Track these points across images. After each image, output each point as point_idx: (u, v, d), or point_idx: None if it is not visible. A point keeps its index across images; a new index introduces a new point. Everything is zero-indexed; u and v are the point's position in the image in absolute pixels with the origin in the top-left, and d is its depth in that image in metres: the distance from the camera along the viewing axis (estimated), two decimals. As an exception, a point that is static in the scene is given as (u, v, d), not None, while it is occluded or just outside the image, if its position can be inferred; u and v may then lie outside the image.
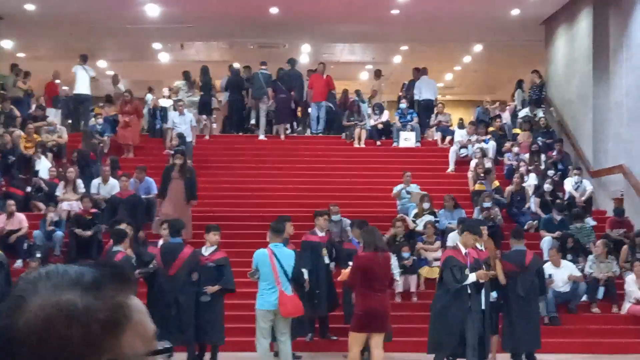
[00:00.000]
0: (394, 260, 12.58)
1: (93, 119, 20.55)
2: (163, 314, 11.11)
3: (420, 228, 15.64)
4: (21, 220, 15.49)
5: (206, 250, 11.79)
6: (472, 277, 10.33)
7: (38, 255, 14.77)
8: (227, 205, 17.66)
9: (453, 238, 14.64)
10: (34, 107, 20.93)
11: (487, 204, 16.29)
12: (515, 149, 19.77)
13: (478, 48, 25.81)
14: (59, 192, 16.74)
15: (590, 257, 15.00)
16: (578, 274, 14.57)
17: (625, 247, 15.34)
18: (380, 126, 21.21)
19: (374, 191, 18.28)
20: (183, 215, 14.34)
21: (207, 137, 20.88)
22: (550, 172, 18.20)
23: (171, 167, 15.87)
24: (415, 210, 16.44)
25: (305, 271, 11.70)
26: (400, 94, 22.85)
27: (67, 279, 1.21)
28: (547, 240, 15.66)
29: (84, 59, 21.09)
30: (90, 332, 1.17)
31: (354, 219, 14.02)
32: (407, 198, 17.11)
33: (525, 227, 16.18)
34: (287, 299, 10.20)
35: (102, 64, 27.08)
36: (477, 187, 17.93)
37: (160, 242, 12.76)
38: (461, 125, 21.51)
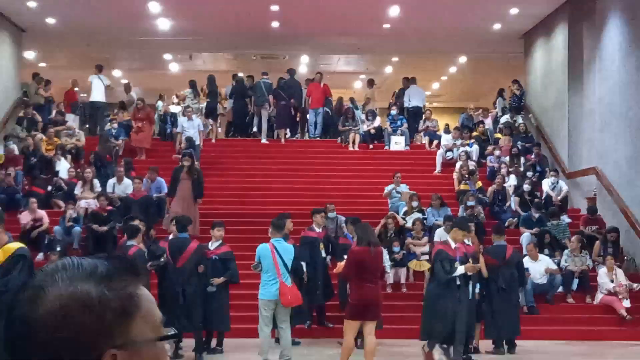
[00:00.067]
0: (385, 254, 12.57)
1: (108, 124, 20.54)
2: (172, 303, 11.10)
3: (409, 225, 15.62)
4: (42, 216, 15.51)
5: (212, 245, 11.82)
6: (460, 269, 10.37)
7: (58, 249, 14.78)
8: (232, 203, 17.66)
9: (440, 234, 14.64)
10: (54, 112, 20.95)
11: (471, 203, 16.31)
12: (497, 152, 19.78)
13: (462, 59, 25.83)
14: (77, 191, 16.76)
15: (566, 251, 15.00)
16: (554, 267, 14.58)
17: (597, 242, 15.36)
18: (372, 131, 21.21)
19: (367, 191, 18.27)
20: (191, 213, 14.32)
21: (213, 141, 20.90)
22: (529, 174, 18.19)
23: (180, 168, 15.85)
24: (404, 209, 16.45)
25: (303, 264, 11.73)
26: (391, 101, 22.86)
27: (82, 271, 1.22)
28: (525, 236, 15.67)
29: (99, 69, 21.10)
30: (103, 319, 1.18)
31: (348, 216, 14.03)
32: (397, 197, 17.12)
33: (506, 224, 16.18)
34: (287, 289, 10.18)
35: (117, 73, 27.05)
36: (462, 187, 17.96)
37: (170, 237, 12.74)
38: (447, 131, 21.50)
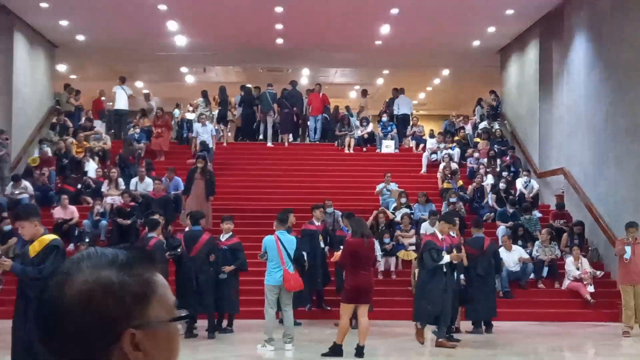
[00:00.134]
0: (376, 245, 12.56)
1: (131, 129, 20.54)
2: (186, 288, 11.14)
3: (398, 219, 15.63)
4: (73, 211, 15.52)
5: (223, 237, 11.85)
6: (446, 258, 10.39)
7: (87, 240, 14.82)
8: (241, 200, 17.65)
9: (425, 227, 14.67)
10: (83, 119, 20.96)
11: (453, 199, 16.33)
12: (476, 155, 19.78)
13: (445, 72, 25.82)
14: (103, 188, 16.78)
15: (537, 242, 15.02)
16: (526, 256, 14.59)
17: (565, 234, 15.39)
18: (366, 136, 21.22)
19: (361, 188, 18.27)
20: (204, 209, 14.30)
21: (224, 144, 20.87)
22: (504, 174, 18.20)
23: (194, 169, 15.84)
24: (394, 204, 16.45)
25: (304, 254, 11.70)
26: (382, 109, 22.84)
27: (105, 260, 1.22)
28: (501, 229, 15.68)
29: (123, 80, 21.11)
30: (123, 302, 1.19)
31: (344, 211, 14.01)
32: (388, 194, 17.12)
33: (484, 218, 16.20)
34: (290, 276, 10.17)
35: (138, 84, 27.00)
36: (445, 185, 17.97)
37: (186, 229, 12.76)
38: (432, 135, 21.50)
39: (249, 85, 22.26)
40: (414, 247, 14.63)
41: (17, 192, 16.04)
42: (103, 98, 22.88)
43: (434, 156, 19.78)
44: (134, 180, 16.83)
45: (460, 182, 18.12)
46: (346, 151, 20.65)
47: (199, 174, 15.65)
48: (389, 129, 21.27)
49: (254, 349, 10.20)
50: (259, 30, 19.72)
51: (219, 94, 21.56)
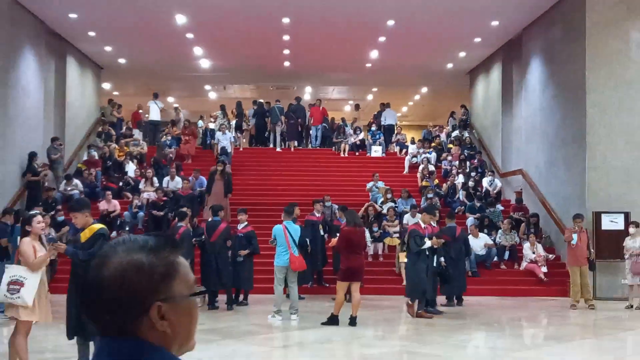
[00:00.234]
0: (367, 233, 12.56)
1: (164, 136, 20.50)
2: (208, 267, 11.15)
3: (384, 211, 15.62)
4: (115, 204, 15.50)
5: (240, 226, 11.81)
6: (428, 243, 10.39)
7: (127, 228, 14.79)
8: (255, 195, 17.63)
9: (407, 218, 14.67)
10: (124, 128, 20.92)
11: (430, 195, 16.32)
12: (449, 158, 19.76)
13: (424, 90, 25.78)
14: (141, 186, 16.76)
15: (499, 231, 15.01)
16: (491, 242, 14.59)
17: (523, 224, 15.37)
18: (358, 142, 21.19)
19: (354, 186, 18.25)
20: (222, 204, 14.27)
21: (240, 149, 20.83)
22: (473, 174, 18.18)
23: (214, 171, 15.82)
24: (381, 199, 16.43)
25: (307, 240, 11.71)
26: (371, 120, 22.82)
27: (136, 245, 1.22)
28: (470, 220, 15.67)
29: (156, 96, 21.06)
30: (151, 280, 1.19)
31: (340, 204, 13.99)
32: (376, 191, 17.10)
33: (456, 210, 16.15)
34: (295, 258, 10.17)
35: (169, 99, 26.99)
36: (424, 183, 17.95)
37: (209, 219, 12.74)
38: (413, 142, 21.50)
39: (261, 100, 22.23)
40: (397, 235, 14.61)
41: (69, 189, 16.03)
42: (140, 111, 22.85)
43: (414, 159, 19.76)
44: (166, 179, 16.81)
45: (436, 181, 18.11)
46: (342, 155, 20.62)
47: (218, 175, 15.64)
48: (377, 136, 21.27)
49: (265, 318, 10.19)
50: (269, 55, 19.70)
51: (236, 108, 21.57)
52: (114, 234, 14.52)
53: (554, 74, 15.17)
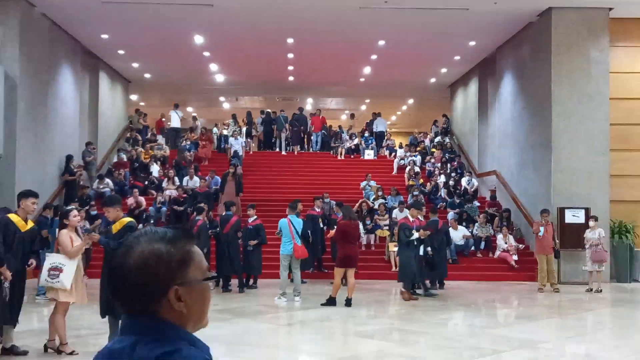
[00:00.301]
0: (360, 226, 12.55)
1: (183, 141, 20.48)
2: (222, 255, 11.14)
3: (376, 207, 15.61)
4: (142, 201, 15.46)
5: (250, 219, 11.78)
6: (415, 235, 10.40)
7: (152, 221, 14.76)
8: (263, 193, 17.60)
9: (396, 212, 14.63)
10: (149, 134, 20.90)
11: (416, 193, 16.29)
12: (432, 160, 19.75)
13: (411, 101, 25.77)
14: (164, 184, 16.74)
15: (476, 224, 14.98)
16: (469, 234, 14.56)
17: (496, 218, 15.35)
18: (353, 147, 21.19)
19: (349, 185, 18.23)
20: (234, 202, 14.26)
21: (250, 152, 20.83)
22: (453, 174, 18.17)
23: (227, 173, 15.82)
24: (373, 196, 16.43)
25: (309, 232, 11.71)
26: (364, 128, 22.83)
27: (157, 236, 1.22)
28: (450, 214, 15.63)
29: (176, 106, 21.06)
30: (169, 267, 1.18)
31: (337, 201, 14.02)
32: (369, 189, 17.10)
33: (438, 206, 16.16)
34: (298, 247, 10.17)
35: (189, 109, 26.99)
36: (410, 182, 17.94)
37: (222, 214, 12.74)
38: (401, 146, 21.49)
39: (268, 110, 22.24)
40: (387, 227, 14.59)
41: (101, 187, 16.03)
42: (163, 119, 22.85)
43: (402, 162, 19.75)
44: (186, 178, 16.80)
45: (421, 180, 18.10)
46: (339, 158, 20.59)
47: (230, 177, 15.63)
48: (370, 142, 21.26)
49: (272, 300, 10.18)
50: (275, 71, 19.70)
51: (246, 117, 21.64)
52: (140, 226, 14.52)
53: (523, 88, 15.16)
